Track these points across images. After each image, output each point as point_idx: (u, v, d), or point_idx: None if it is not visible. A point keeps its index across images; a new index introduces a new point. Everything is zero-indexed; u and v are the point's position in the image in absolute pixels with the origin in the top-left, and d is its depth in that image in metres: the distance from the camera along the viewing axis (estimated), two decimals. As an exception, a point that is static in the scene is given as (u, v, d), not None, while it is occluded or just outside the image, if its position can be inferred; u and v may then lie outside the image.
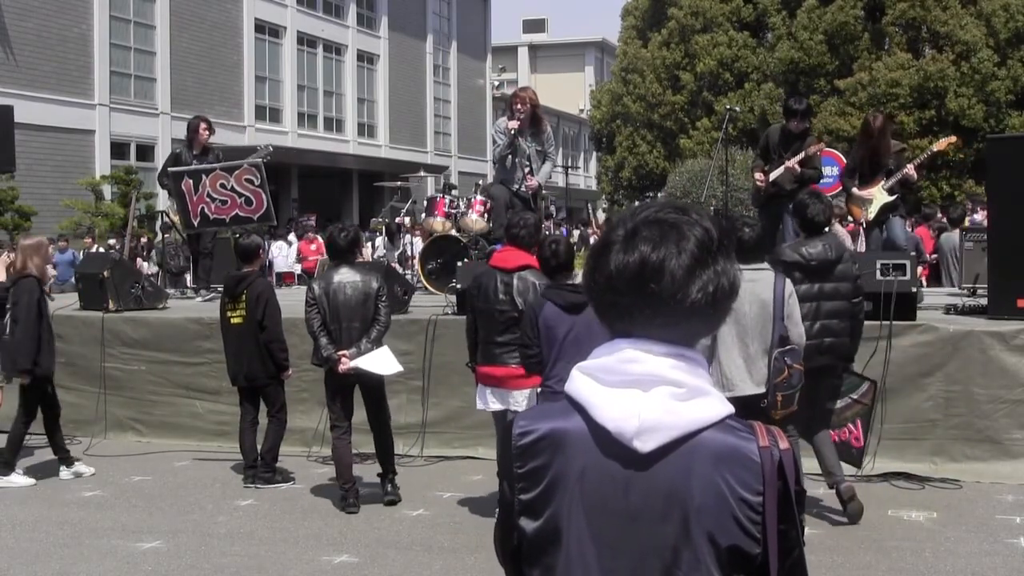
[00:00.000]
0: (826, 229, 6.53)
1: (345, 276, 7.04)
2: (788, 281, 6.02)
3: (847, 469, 6.76)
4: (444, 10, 45.29)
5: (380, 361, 7.01)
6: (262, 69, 33.68)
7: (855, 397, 7.02)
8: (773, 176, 9.32)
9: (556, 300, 5.80)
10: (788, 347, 5.81)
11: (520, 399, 6.33)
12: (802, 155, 9.16)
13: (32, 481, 8.06)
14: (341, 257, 7.17)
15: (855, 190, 9.08)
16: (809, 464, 7.29)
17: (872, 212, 9.00)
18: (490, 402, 6.49)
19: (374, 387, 7.18)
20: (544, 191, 13.98)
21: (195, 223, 10.57)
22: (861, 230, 10.19)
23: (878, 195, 9.00)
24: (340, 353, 6.93)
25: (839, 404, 6.78)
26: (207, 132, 11.06)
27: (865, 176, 9.06)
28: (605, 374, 1.67)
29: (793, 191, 9.34)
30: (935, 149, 9.76)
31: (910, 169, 8.94)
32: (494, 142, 9.90)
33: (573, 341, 5.71)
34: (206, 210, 10.36)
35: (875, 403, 6.88)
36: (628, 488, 1.64)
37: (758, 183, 9.48)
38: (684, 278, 1.63)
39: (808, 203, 6.43)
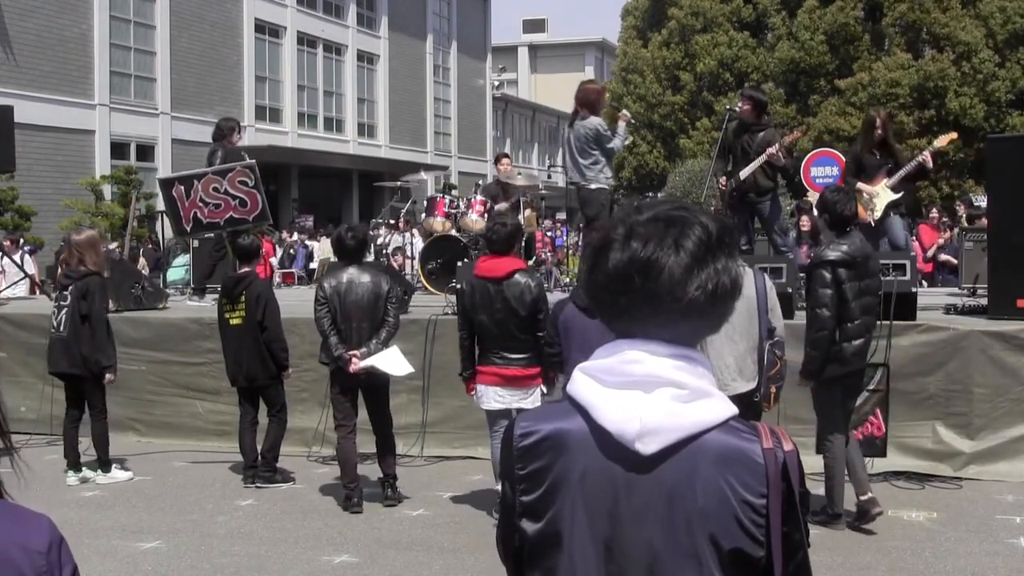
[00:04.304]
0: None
1: (355, 276, 7.06)
2: (766, 276, 6.07)
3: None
4: (444, 10, 45.25)
5: (391, 361, 7.03)
6: (262, 69, 33.65)
7: (871, 388, 7.03)
8: (745, 173, 9.17)
9: (577, 302, 5.88)
10: (776, 339, 5.89)
11: (525, 397, 6.35)
12: (775, 146, 9.02)
13: (131, 474, 8.20)
14: (350, 258, 7.18)
15: (860, 184, 8.95)
16: (810, 463, 7.30)
17: (878, 212, 8.92)
18: (493, 400, 6.48)
19: (378, 388, 7.19)
20: (543, 191, 13.95)
21: (187, 228, 10.49)
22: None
23: (882, 193, 8.93)
24: (351, 353, 6.94)
25: (859, 399, 6.75)
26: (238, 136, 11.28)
27: (865, 175, 8.99)
28: (606, 375, 1.65)
29: (768, 188, 9.27)
30: (937, 145, 9.57)
31: (925, 157, 8.84)
32: (604, 139, 9.18)
33: (594, 342, 5.77)
34: (198, 215, 10.26)
35: (888, 386, 6.85)
36: (630, 490, 1.62)
37: (721, 187, 9.33)
38: (682, 276, 1.61)
39: (836, 199, 6.29)
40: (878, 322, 7.35)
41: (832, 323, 6.12)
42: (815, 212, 15.80)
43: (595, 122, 9.19)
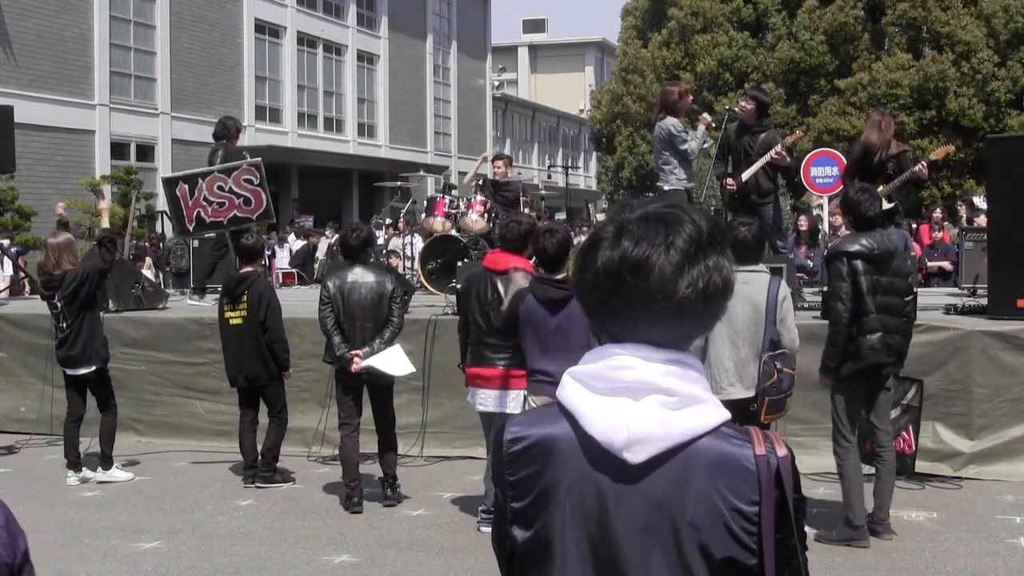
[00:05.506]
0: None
1: (359, 276, 7.06)
2: (783, 283, 5.96)
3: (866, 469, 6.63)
4: (444, 10, 45.26)
5: (393, 361, 7.03)
6: (262, 69, 33.64)
7: (905, 403, 6.93)
8: (747, 175, 9.17)
9: (537, 294, 5.88)
10: (779, 351, 5.78)
11: (509, 400, 6.32)
12: (779, 147, 9.02)
13: (131, 474, 8.22)
14: (354, 257, 7.19)
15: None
16: (809, 463, 7.31)
17: None
18: (478, 403, 6.47)
19: (383, 388, 7.21)
20: (543, 190, 13.94)
21: (190, 228, 10.47)
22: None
23: None
24: (353, 352, 6.95)
25: (893, 414, 6.62)
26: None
27: (864, 179, 8.89)
28: (595, 381, 1.62)
29: (769, 190, 9.26)
30: (932, 158, 9.46)
31: (922, 168, 8.67)
32: (676, 140, 9.12)
33: (551, 336, 5.79)
34: (202, 214, 10.24)
35: (922, 404, 6.73)
36: (619, 500, 1.59)
37: (729, 188, 9.30)
38: (672, 274, 1.58)
39: (860, 199, 6.15)
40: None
41: (846, 317, 5.95)
42: (814, 212, 15.83)
43: (668, 123, 9.17)
